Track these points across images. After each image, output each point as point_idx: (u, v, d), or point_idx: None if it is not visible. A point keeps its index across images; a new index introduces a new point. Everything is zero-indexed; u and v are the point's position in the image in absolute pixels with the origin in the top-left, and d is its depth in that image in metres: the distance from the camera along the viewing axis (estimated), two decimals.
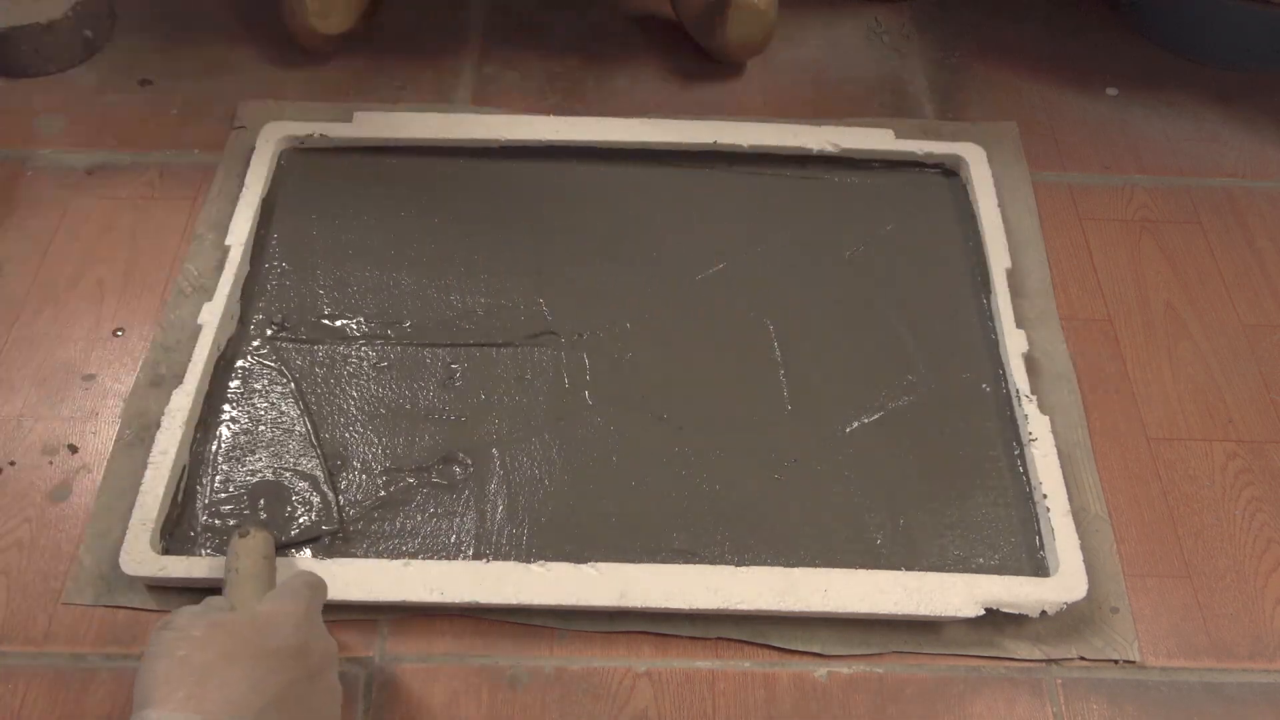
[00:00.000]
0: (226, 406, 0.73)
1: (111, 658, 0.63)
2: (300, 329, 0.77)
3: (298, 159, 0.88)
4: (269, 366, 0.75)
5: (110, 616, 0.65)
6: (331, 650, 0.52)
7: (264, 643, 0.47)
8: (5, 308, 0.79)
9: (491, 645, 0.64)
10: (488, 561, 0.66)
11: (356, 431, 0.72)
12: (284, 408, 0.73)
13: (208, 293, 0.77)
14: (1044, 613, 0.64)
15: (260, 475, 0.70)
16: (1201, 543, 0.70)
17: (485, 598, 0.64)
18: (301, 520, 0.67)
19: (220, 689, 0.44)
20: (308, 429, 0.72)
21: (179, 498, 0.68)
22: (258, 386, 0.74)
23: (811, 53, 1.02)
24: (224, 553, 0.66)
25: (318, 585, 0.56)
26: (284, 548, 0.66)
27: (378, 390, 0.74)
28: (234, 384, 0.74)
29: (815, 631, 0.65)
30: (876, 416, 0.74)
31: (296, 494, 0.69)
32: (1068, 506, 0.68)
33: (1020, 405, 0.73)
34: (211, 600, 0.53)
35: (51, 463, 0.71)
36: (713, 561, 0.66)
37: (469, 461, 0.71)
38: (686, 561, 0.66)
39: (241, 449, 0.71)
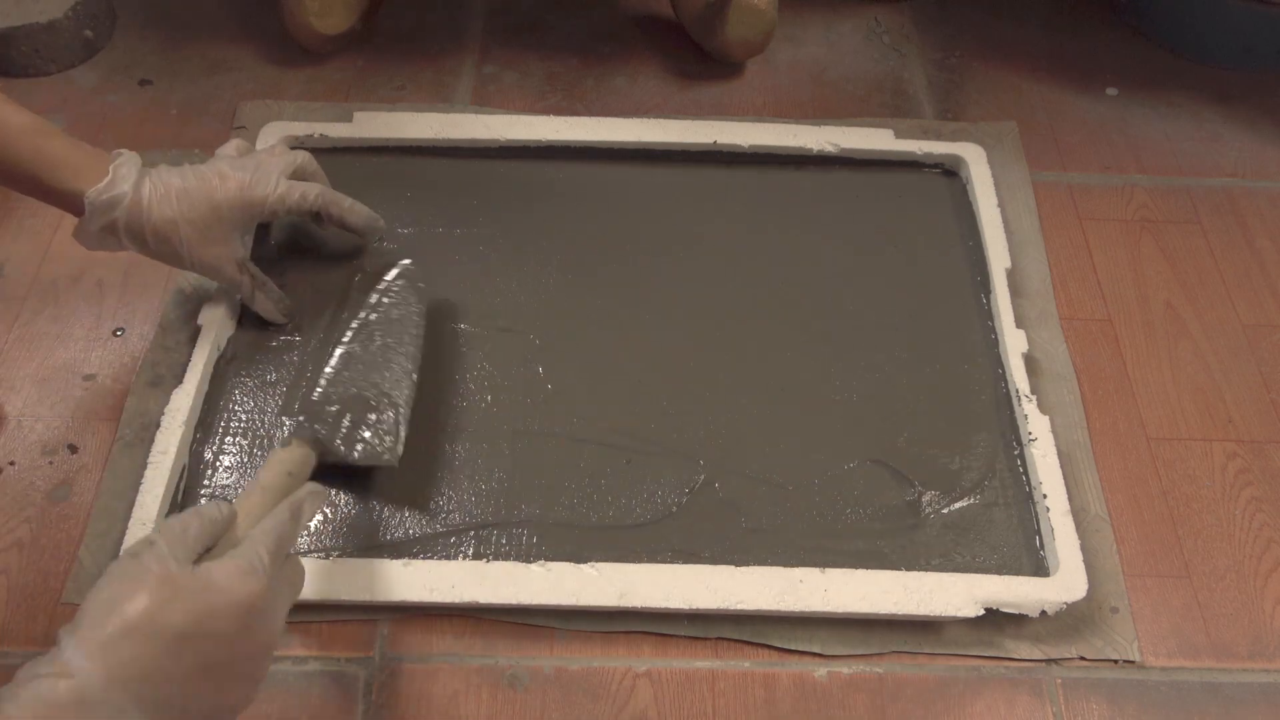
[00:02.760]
0: (226, 406, 0.73)
1: None
2: (300, 328, 0.77)
3: None
4: (268, 367, 0.75)
5: None
6: (276, 629, 0.49)
7: (203, 624, 0.45)
8: (5, 308, 0.79)
9: (491, 645, 0.64)
10: (488, 561, 0.66)
11: None
12: (284, 407, 0.73)
13: (207, 293, 0.77)
14: (1044, 613, 0.64)
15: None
16: (1201, 543, 0.70)
17: (485, 598, 0.64)
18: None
19: (139, 652, 0.43)
20: None
21: (179, 498, 0.68)
22: (257, 386, 0.74)
23: (811, 53, 1.02)
24: None
25: (297, 517, 0.53)
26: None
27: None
28: (234, 384, 0.74)
29: (815, 631, 0.65)
30: (876, 416, 0.74)
31: None
32: (1068, 506, 0.68)
33: (1020, 405, 0.73)
34: (204, 511, 0.50)
35: (51, 463, 0.71)
36: (713, 561, 0.66)
37: (469, 460, 0.71)
38: (686, 561, 0.66)
39: (241, 449, 0.71)
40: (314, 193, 0.72)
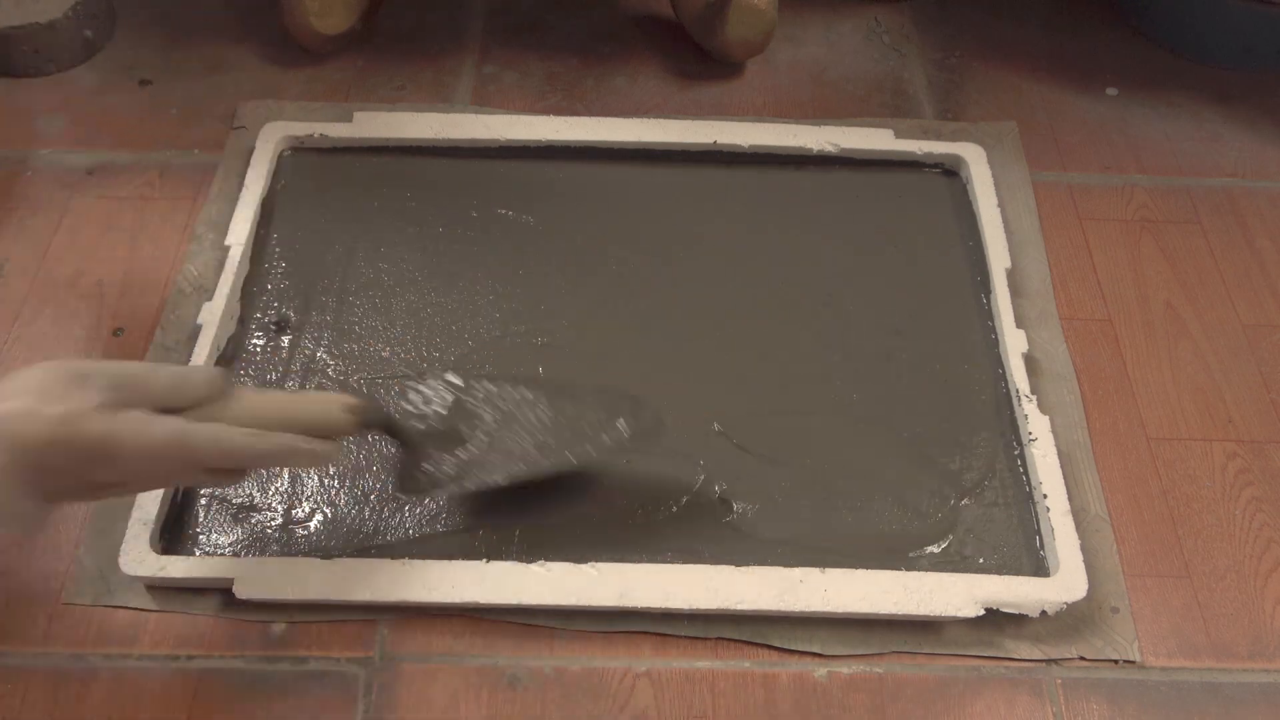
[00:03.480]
0: None
1: (111, 658, 0.63)
2: (300, 329, 0.77)
3: (298, 159, 0.88)
4: (268, 367, 0.75)
5: (110, 616, 0.65)
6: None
7: (51, 460, 0.49)
8: (5, 308, 0.79)
9: (491, 645, 0.64)
10: (488, 561, 0.66)
11: None
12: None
13: (208, 293, 0.77)
14: (1044, 613, 0.64)
15: (259, 475, 0.70)
16: (1201, 543, 0.70)
17: (485, 598, 0.64)
18: (303, 517, 0.68)
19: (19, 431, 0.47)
20: None
21: (179, 498, 0.68)
22: (257, 386, 0.74)
23: (811, 53, 1.02)
24: (223, 553, 0.66)
25: (277, 455, 0.55)
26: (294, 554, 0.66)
27: (378, 389, 0.74)
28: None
29: (815, 631, 0.65)
30: (876, 416, 0.74)
31: (295, 493, 0.69)
32: (1068, 506, 0.68)
33: (1020, 405, 0.73)
34: (190, 374, 0.54)
35: None
36: (713, 561, 0.66)
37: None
38: (686, 561, 0.66)
39: None
40: None
